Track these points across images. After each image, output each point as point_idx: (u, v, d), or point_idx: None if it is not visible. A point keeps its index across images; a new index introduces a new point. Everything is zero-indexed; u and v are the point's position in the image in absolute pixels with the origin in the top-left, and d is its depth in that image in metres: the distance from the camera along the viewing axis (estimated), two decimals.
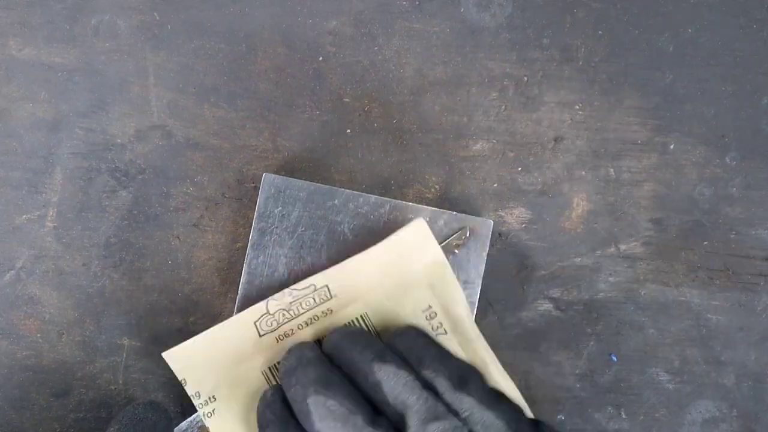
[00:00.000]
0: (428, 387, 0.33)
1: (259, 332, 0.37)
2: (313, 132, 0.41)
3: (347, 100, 0.41)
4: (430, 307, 0.37)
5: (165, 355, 0.36)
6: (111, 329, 0.40)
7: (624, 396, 0.42)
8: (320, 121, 0.41)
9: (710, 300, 0.42)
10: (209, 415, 0.36)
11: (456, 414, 0.32)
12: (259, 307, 0.37)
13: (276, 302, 0.37)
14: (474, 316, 0.39)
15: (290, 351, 0.35)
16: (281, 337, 0.37)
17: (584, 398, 0.42)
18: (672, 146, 0.41)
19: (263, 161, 0.41)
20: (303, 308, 0.37)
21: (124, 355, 0.40)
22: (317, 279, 0.37)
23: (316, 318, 0.37)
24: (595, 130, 0.41)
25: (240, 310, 0.38)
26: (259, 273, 0.38)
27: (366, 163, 0.41)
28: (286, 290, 0.37)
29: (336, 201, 0.39)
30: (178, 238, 0.40)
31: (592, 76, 0.41)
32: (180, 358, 0.36)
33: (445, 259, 0.37)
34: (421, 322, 0.37)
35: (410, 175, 0.40)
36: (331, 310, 0.37)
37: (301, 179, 0.39)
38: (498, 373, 0.36)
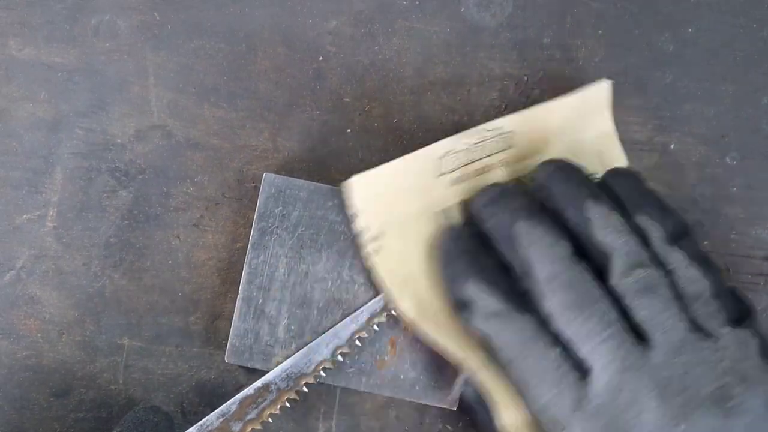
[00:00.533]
0: (639, 233, 0.33)
1: (441, 170, 0.36)
2: (313, 132, 0.41)
3: (347, 100, 0.41)
4: (596, 174, 0.36)
5: (350, 182, 0.36)
6: (111, 329, 0.40)
7: None
8: (320, 121, 0.41)
9: None
10: (376, 251, 0.36)
11: (662, 265, 0.32)
12: (444, 144, 0.36)
13: (465, 140, 0.36)
14: None
15: (489, 186, 0.35)
16: (461, 180, 0.36)
17: None
18: (672, 146, 0.41)
19: (263, 161, 0.41)
20: (484, 152, 0.36)
21: (125, 354, 0.40)
22: (506, 122, 0.36)
23: (494, 166, 0.36)
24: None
25: (240, 310, 0.38)
26: (259, 273, 0.38)
27: (366, 163, 0.41)
28: (478, 127, 0.36)
29: (336, 201, 0.39)
30: (179, 237, 0.40)
31: (592, 75, 0.41)
32: (361, 188, 0.36)
33: (614, 130, 0.37)
34: None
35: None
36: (508, 161, 0.37)
37: (301, 179, 0.39)
38: None
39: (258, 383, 0.37)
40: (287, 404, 0.37)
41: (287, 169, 0.41)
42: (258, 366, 0.38)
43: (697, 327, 0.32)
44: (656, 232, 0.33)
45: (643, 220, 0.33)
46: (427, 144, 0.40)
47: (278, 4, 0.41)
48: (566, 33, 0.41)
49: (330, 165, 0.41)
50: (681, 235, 0.33)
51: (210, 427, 0.36)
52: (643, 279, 0.32)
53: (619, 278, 0.32)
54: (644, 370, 0.31)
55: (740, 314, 0.33)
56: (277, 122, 0.41)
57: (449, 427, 0.40)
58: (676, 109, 0.41)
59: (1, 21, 0.41)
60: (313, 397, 0.40)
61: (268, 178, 0.39)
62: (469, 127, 0.41)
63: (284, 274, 0.38)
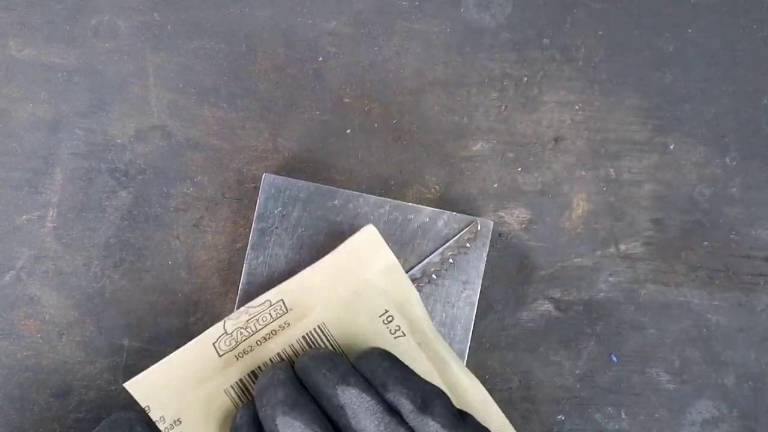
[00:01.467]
0: (394, 411, 0.33)
1: (218, 353, 0.36)
2: (313, 132, 0.41)
3: (347, 100, 0.41)
4: (386, 311, 0.37)
5: (127, 385, 0.35)
6: (111, 329, 0.40)
7: (624, 396, 0.42)
8: (320, 121, 0.41)
9: (710, 300, 0.42)
10: None
11: None
12: (216, 328, 0.36)
13: (232, 322, 0.37)
14: (474, 317, 0.39)
15: (264, 372, 0.35)
16: (240, 355, 0.37)
17: (584, 398, 0.42)
18: (672, 146, 0.41)
19: (263, 161, 0.41)
20: (260, 324, 0.37)
21: (125, 355, 0.40)
22: (272, 294, 0.37)
23: (274, 332, 0.37)
24: (595, 130, 0.41)
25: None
26: (259, 273, 0.38)
27: (366, 163, 0.41)
28: (242, 308, 0.37)
29: (336, 201, 0.39)
30: (178, 238, 0.40)
31: (592, 76, 0.41)
32: (142, 386, 0.36)
33: (397, 261, 0.37)
34: (379, 327, 0.37)
35: (410, 175, 0.40)
36: (289, 323, 0.37)
37: (301, 179, 0.39)
38: (460, 371, 0.37)
39: None
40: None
41: (287, 169, 0.41)
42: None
43: None
44: (407, 405, 0.33)
45: (392, 397, 0.33)
46: (426, 143, 0.40)
47: (278, 4, 0.41)
48: (566, 33, 0.41)
49: (330, 165, 0.41)
50: (430, 402, 0.33)
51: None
52: None
53: None
54: None
55: None
56: (277, 122, 0.41)
57: None
58: (676, 109, 0.41)
59: (1, 21, 0.41)
60: None
61: (267, 178, 0.39)
62: (468, 128, 0.41)
63: (284, 275, 0.38)
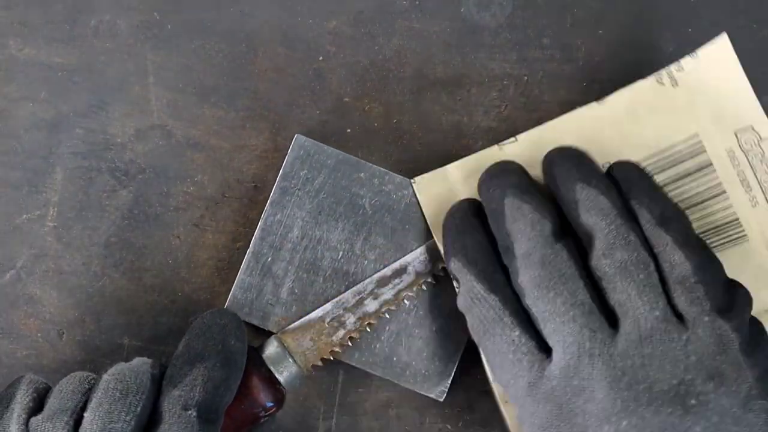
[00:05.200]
0: (631, 216, 0.32)
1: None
2: (312, 132, 0.41)
3: (347, 99, 0.41)
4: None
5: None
6: (111, 329, 0.40)
7: None
8: (320, 121, 0.41)
9: None
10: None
11: (649, 249, 0.31)
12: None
13: None
14: None
15: (495, 162, 0.36)
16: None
17: None
18: None
19: (263, 161, 0.41)
20: None
21: (125, 354, 0.40)
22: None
23: None
24: None
25: (248, 263, 0.38)
26: (273, 231, 0.39)
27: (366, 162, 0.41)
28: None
29: (362, 174, 0.39)
30: (179, 237, 0.41)
31: (592, 75, 0.41)
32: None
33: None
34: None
35: (410, 175, 0.40)
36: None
37: (331, 147, 0.39)
38: None
39: (396, 264, 0.38)
40: (423, 287, 0.38)
41: None
42: (255, 322, 0.38)
43: (674, 314, 0.30)
44: (645, 215, 0.32)
45: (634, 204, 0.33)
46: (426, 143, 0.40)
47: (278, 4, 0.41)
48: (566, 33, 0.41)
49: None
50: (669, 218, 0.32)
51: (345, 304, 0.37)
52: (622, 261, 0.31)
53: (598, 259, 0.32)
54: (602, 356, 0.30)
55: (730, 305, 0.31)
56: (277, 122, 0.41)
57: (449, 427, 0.40)
58: None
59: (1, 21, 0.41)
60: (313, 397, 0.40)
61: (299, 139, 0.39)
62: (468, 128, 0.41)
63: (297, 237, 0.39)
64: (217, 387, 0.33)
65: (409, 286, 0.38)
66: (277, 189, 0.39)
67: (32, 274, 0.40)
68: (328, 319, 0.37)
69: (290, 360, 0.36)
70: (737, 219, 0.37)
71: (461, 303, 0.34)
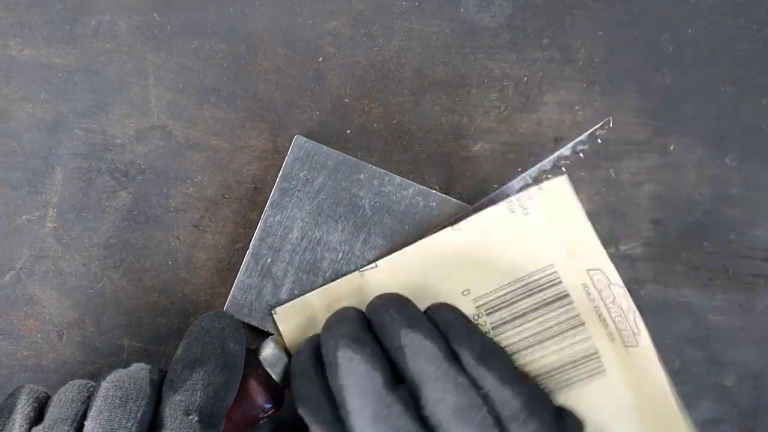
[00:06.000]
0: (456, 359, 0.32)
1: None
2: (312, 132, 0.41)
3: (347, 100, 0.41)
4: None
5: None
6: (111, 329, 0.40)
7: None
8: (320, 121, 0.41)
9: (710, 300, 0.42)
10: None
11: (477, 389, 0.32)
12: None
13: None
14: None
15: (335, 312, 0.35)
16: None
17: None
18: (672, 146, 0.41)
19: (263, 161, 0.41)
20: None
21: (125, 355, 0.40)
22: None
23: None
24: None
25: (247, 265, 0.38)
26: (273, 232, 0.39)
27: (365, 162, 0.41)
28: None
29: (362, 175, 0.39)
30: (178, 238, 0.41)
31: (592, 76, 0.41)
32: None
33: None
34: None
35: (410, 175, 0.40)
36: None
37: (331, 148, 0.39)
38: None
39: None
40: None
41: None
42: (254, 323, 0.38)
43: None
44: (466, 354, 0.32)
45: (455, 346, 0.33)
46: (426, 143, 0.40)
47: (278, 4, 0.41)
48: (566, 33, 0.41)
49: None
50: (489, 355, 0.33)
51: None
52: (455, 405, 0.31)
53: (433, 406, 0.31)
54: None
55: (568, 430, 0.32)
56: (277, 122, 0.41)
57: None
58: (676, 109, 0.41)
59: (1, 21, 0.41)
60: None
61: (299, 140, 0.39)
62: (468, 128, 0.41)
63: (297, 238, 0.39)
64: (217, 391, 0.33)
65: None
66: (277, 190, 0.39)
67: (32, 274, 0.40)
68: None
69: (287, 361, 0.36)
70: (596, 352, 0.36)
71: None
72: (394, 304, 0.34)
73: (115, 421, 0.31)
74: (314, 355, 0.35)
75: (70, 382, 0.33)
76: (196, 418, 0.31)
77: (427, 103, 0.41)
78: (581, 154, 0.38)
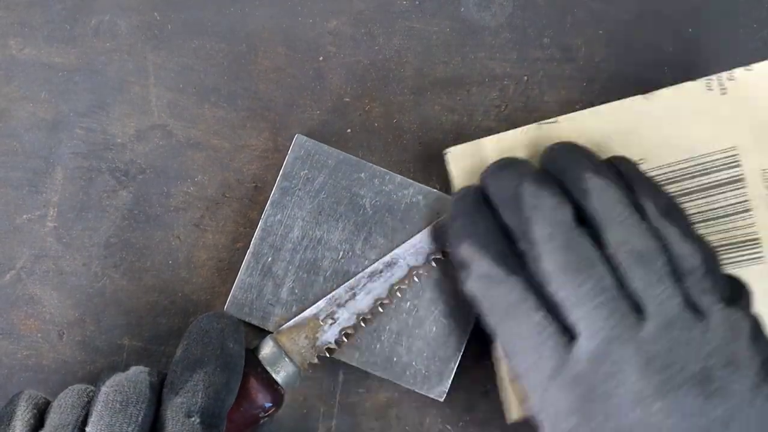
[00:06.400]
0: (637, 209, 0.33)
1: None
2: (313, 132, 0.41)
3: (347, 100, 0.41)
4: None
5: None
6: (111, 329, 0.40)
7: None
8: (320, 121, 0.41)
9: None
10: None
11: (658, 239, 0.32)
12: None
13: None
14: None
15: (502, 158, 0.36)
16: None
17: None
18: None
19: (263, 161, 0.41)
20: None
21: (125, 355, 0.40)
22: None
23: None
24: None
25: (248, 264, 0.38)
26: (273, 231, 0.39)
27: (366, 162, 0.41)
28: None
29: (362, 174, 0.39)
30: (179, 238, 0.40)
31: (592, 76, 0.41)
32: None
33: None
34: None
35: (410, 175, 0.40)
36: None
37: (332, 146, 0.39)
38: None
39: (387, 258, 0.38)
40: (416, 279, 0.38)
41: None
42: (255, 323, 0.38)
43: (690, 304, 0.31)
44: (651, 207, 0.33)
45: (640, 196, 0.33)
46: (426, 143, 0.40)
47: (278, 4, 0.41)
48: (566, 33, 0.41)
49: None
50: (672, 210, 0.33)
51: (339, 300, 0.38)
52: (638, 250, 0.32)
53: (615, 247, 0.32)
54: (631, 342, 0.31)
55: (734, 294, 0.33)
56: (277, 122, 0.41)
57: (449, 427, 0.40)
58: None
59: (1, 21, 0.41)
60: (313, 398, 0.40)
61: (299, 139, 0.39)
62: (468, 128, 0.41)
63: (298, 237, 0.39)
64: (218, 392, 0.33)
65: (402, 280, 0.38)
66: (278, 189, 0.39)
67: (32, 274, 0.40)
68: (322, 317, 0.37)
69: (287, 359, 0.36)
70: (758, 239, 0.36)
71: (473, 288, 0.34)
72: (577, 149, 0.35)
73: (116, 426, 0.31)
74: (479, 197, 0.35)
75: (70, 387, 0.33)
76: (198, 420, 0.31)
77: (427, 103, 0.41)
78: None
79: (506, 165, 0.35)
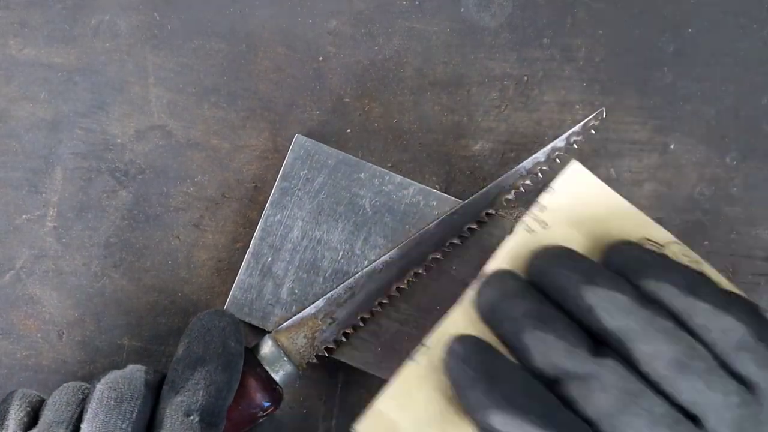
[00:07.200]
0: (650, 300, 0.29)
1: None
2: (312, 132, 0.41)
3: (347, 100, 0.41)
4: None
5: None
6: (111, 329, 0.40)
7: None
8: (320, 121, 0.41)
9: None
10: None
11: (684, 325, 0.28)
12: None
13: None
14: None
15: (488, 282, 0.31)
16: None
17: None
18: (672, 146, 0.41)
19: (263, 161, 0.41)
20: None
21: (125, 355, 0.40)
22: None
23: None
24: (595, 130, 0.41)
25: (248, 264, 0.38)
26: (273, 231, 0.39)
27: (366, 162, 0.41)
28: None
29: (362, 174, 0.39)
30: (178, 238, 0.40)
31: (592, 76, 0.41)
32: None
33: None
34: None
35: (410, 175, 0.40)
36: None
37: (332, 147, 0.39)
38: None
39: (385, 257, 0.38)
40: (414, 279, 0.38)
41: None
42: (255, 323, 0.38)
43: (750, 388, 0.28)
44: (670, 289, 0.29)
45: (651, 284, 0.29)
46: (426, 143, 0.40)
47: (278, 4, 0.41)
48: (566, 33, 0.41)
49: None
50: (697, 284, 0.29)
51: (337, 300, 0.38)
52: (673, 357, 0.28)
53: (647, 364, 0.28)
54: None
55: None
56: (277, 122, 0.41)
57: None
58: (676, 109, 0.41)
59: (1, 21, 0.41)
60: (313, 398, 0.40)
61: (299, 139, 0.39)
62: (468, 128, 0.41)
63: (297, 237, 0.39)
64: (219, 390, 0.33)
65: (399, 279, 0.38)
66: (277, 189, 0.39)
67: (32, 274, 0.40)
68: (320, 316, 0.37)
69: (285, 359, 0.36)
70: None
71: None
72: (562, 260, 0.30)
73: (111, 423, 0.30)
74: (476, 347, 0.30)
75: (64, 385, 0.33)
76: (197, 419, 0.31)
77: (427, 103, 0.41)
78: (575, 146, 0.38)
79: (498, 303, 0.31)
